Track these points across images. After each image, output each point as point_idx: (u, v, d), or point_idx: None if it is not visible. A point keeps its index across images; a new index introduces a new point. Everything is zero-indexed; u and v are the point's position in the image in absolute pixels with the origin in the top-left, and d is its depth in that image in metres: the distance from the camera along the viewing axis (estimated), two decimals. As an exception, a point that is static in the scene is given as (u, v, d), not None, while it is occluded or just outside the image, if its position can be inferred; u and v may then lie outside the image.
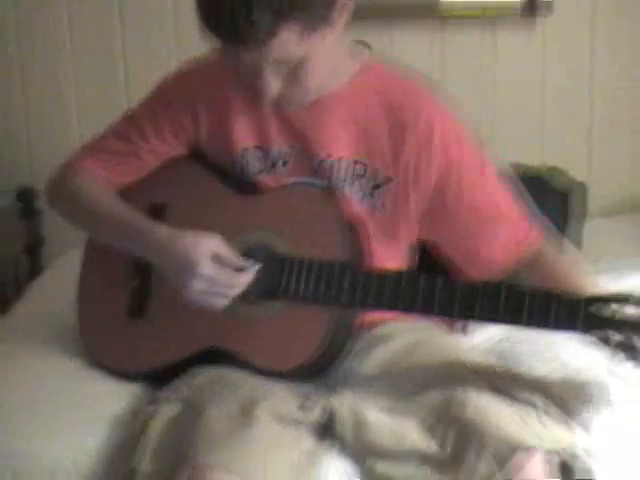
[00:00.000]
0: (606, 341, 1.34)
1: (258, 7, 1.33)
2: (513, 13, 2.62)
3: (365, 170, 1.57)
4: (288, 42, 1.38)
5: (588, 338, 1.36)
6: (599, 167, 2.70)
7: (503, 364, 1.56)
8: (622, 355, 1.34)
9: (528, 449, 1.31)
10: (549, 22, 2.63)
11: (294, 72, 1.45)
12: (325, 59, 1.47)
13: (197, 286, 1.48)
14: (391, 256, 1.61)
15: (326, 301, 1.49)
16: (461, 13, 2.64)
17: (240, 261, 1.51)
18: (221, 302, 1.50)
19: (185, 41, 2.61)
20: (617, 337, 1.33)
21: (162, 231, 1.55)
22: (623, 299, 1.33)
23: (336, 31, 1.46)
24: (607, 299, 1.35)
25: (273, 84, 1.45)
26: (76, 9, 2.67)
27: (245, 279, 1.50)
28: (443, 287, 1.43)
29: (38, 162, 2.71)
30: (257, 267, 1.52)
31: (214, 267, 1.48)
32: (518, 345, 1.71)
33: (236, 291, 1.50)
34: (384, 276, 1.48)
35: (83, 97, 2.72)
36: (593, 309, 1.34)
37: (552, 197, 2.21)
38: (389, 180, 1.57)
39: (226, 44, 1.41)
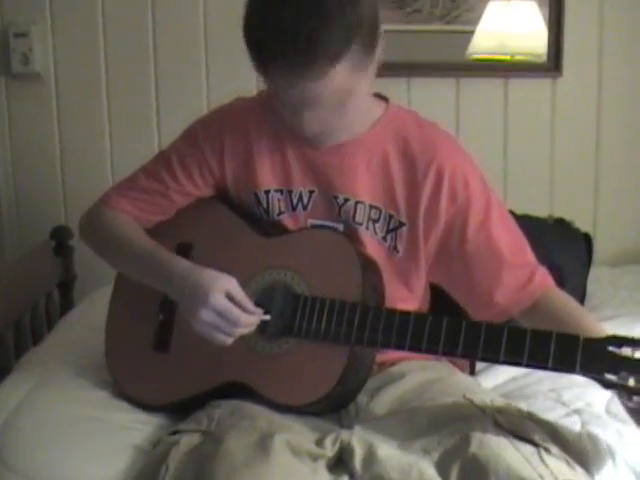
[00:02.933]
0: (619, 384, 1.34)
1: (320, 48, 1.38)
2: (531, 70, 2.71)
3: (380, 215, 1.63)
4: (336, 83, 1.43)
5: (602, 379, 1.35)
6: (604, 219, 2.75)
7: (509, 403, 1.57)
8: (637, 398, 1.34)
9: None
10: (559, 81, 2.70)
11: (332, 112, 1.50)
12: (358, 103, 1.53)
13: (206, 317, 1.52)
14: (405, 297, 1.65)
15: (336, 338, 1.52)
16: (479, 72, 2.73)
17: (251, 306, 1.55)
18: (224, 339, 1.53)
19: (215, 87, 2.72)
20: (632, 379, 1.32)
21: (183, 263, 1.60)
22: (638, 341, 1.33)
23: (369, 79, 1.52)
24: (623, 341, 1.35)
25: (315, 122, 1.50)
26: (111, 52, 2.76)
27: (251, 320, 1.54)
28: (448, 327, 1.46)
29: (72, 202, 2.80)
30: (268, 317, 1.56)
31: (225, 302, 1.52)
32: (525, 385, 1.74)
33: (240, 331, 1.53)
34: (392, 315, 1.51)
35: (117, 139, 2.80)
36: (611, 350, 1.34)
37: (576, 239, 2.28)
38: (401, 225, 1.62)
39: (280, 78, 1.44)
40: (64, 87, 2.79)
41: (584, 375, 1.38)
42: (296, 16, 1.39)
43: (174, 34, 2.74)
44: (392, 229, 1.63)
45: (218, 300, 1.52)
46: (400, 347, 1.51)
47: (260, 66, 1.46)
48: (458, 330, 1.46)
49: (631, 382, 1.32)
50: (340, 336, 1.52)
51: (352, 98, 1.50)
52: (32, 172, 2.84)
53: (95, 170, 2.79)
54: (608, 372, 1.34)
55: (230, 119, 1.71)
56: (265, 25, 1.42)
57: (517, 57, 2.69)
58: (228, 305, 1.53)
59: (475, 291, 1.62)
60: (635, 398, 1.32)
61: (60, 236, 2.59)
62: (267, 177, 1.67)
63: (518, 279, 1.60)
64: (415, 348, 1.49)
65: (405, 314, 1.51)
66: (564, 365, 1.38)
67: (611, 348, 1.35)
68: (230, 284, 1.55)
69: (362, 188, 1.63)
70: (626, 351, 1.33)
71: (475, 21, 2.68)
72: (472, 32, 2.68)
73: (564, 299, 1.61)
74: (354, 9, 1.42)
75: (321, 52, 1.39)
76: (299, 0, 1.41)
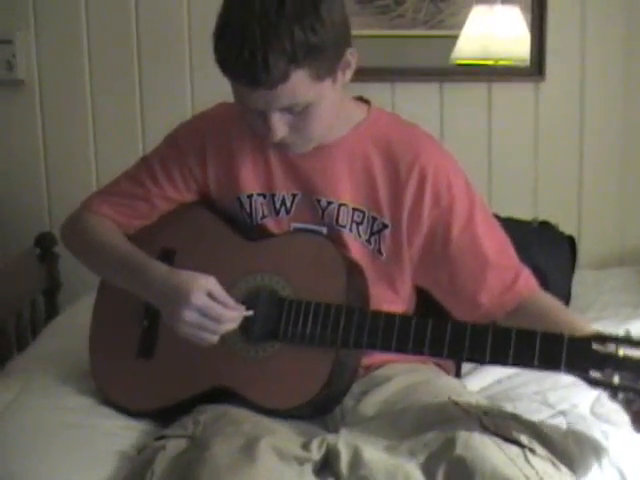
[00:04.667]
0: (604, 381, 1.34)
1: (274, 53, 1.41)
2: (514, 74, 2.73)
3: (363, 217, 1.63)
4: (297, 87, 1.46)
5: (588, 377, 1.35)
6: (588, 222, 2.77)
7: (494, 405, 1.58)
8: (622, 394, 1.34)
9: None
10: (542, 85, 2.72)
11: (299, 118, 1.51)
12: (328, 110, 1.54)
13: (188, 316, 1.51)
14: (391, 299, 1.65)
15: (322, 341, 1.53)
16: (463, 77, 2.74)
17: (232, 302, 1.55)
18: (209, 337, 1.53)
19: (199, 92, 2.73)
20: (617, 376, 1.32)
21: (161, 268, 1.60)
22: (623, 339, 1.33)
23: (338, 85, 1.54)
24: (607, 338, 1.35)
25: (280, 127, 1.51)
26: (95, 59, 2.76)
27: (234, 315, 1.54)
28: (434, 328, 1.46)
29: (56, 208, 2.79)
30: (251, 312, 1.56)
31: (206, 300, 1.52)
32: (510, 387, 1.75)
33: (224, 327, 1.53)
34: (378, 317, 1.51)
35: (101, 146, 2.80)
36: (595, 347, 1.35)
37: (560, 242, 2.29)
38: (385, 227, 1.62)
39: (241, 84, 1.47)
40: (48, 94, 2.79)
41: (569, 373, 1.38)
42: (255, 22, 1.42)
43: (158, 39, 2.75)
44: (376, 231, 1.63)
45: (199, 299, 1.52)
46: (386, 349, 1.51)
47: (222, 70, 1.48)
48: (443, 331, 1.46)
49: (616, 379, 1.32)
50: (326, 339, 1.52)
51: (315, 109, 1.51)
52: (16, 179, 2.83)
53: (80, 176, 2.79)
54: (593, 369, 1.34)
55: (213, 124, 1.71)
56: (228, 31, 1.46)
57: (500, 62, 2.71)
58: (210, 303, 1.52)
59: (460, 293, 1.63)
60: (620, 395, 1.33)
61: (45, 243, 2.59)
62: (250, 182, 1.67)
63: (503, 281, 1.61)
64: (401, 350, 1.50)
65: (390, 316, 1.51)
66: (549, 363, 1.39)
67: (596, 345, 1.35)
68: (210, 283, 1.54)
69: (345, 191, 1.64)
70: (611, 348, 1.34)
71: (459, 26, 2.69)
72: (455, 37, 2.69)
73: (548, 300, 1.62)
74: (316, 15, 1.43)
75: (277, 58, 1.41)
76: (260, 8, 1.42)
